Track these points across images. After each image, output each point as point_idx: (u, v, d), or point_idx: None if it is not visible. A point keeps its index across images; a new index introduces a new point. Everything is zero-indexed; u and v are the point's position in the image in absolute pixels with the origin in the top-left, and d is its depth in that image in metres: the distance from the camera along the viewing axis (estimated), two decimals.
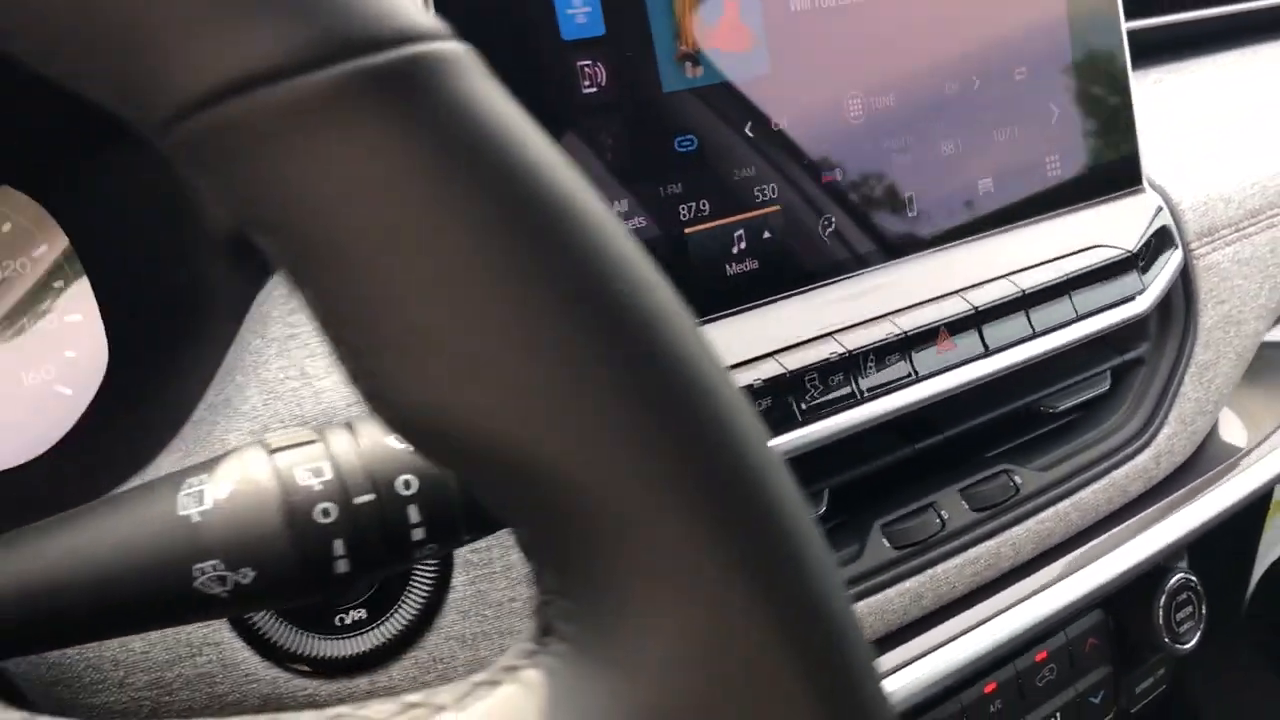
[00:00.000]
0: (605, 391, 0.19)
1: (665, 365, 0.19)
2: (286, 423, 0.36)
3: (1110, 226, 0.56)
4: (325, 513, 0.28)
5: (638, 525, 0.20)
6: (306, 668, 0.36)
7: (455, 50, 0.18)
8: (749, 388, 0.42)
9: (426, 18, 0.18)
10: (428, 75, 0.17)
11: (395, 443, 0.29)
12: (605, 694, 0.21)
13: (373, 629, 0.37)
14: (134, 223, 0.46)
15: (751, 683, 0.20)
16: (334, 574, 0.28)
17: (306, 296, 0.19)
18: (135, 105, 0.18)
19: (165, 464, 0.37)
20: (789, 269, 0.45)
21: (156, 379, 0.45)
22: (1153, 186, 0.59)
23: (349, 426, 0.29)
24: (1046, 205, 0.54)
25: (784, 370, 0.43)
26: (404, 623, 0.37)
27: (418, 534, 0.29)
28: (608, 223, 0.19)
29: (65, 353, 0.49)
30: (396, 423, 0.20)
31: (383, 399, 0.19)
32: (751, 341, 0.43)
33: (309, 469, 0.28)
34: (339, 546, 0.28)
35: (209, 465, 0.28)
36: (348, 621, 0.37)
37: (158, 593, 0.28)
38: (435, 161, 0.18)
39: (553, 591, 0.22)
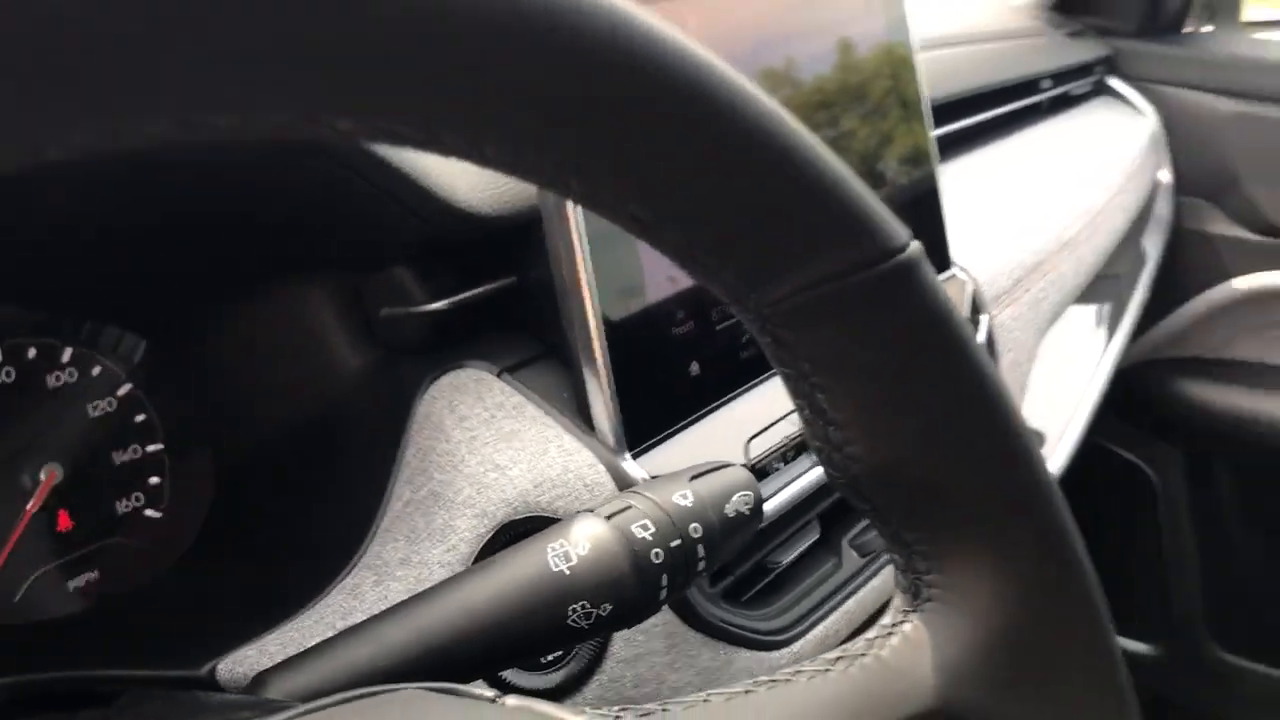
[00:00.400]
0: (1007, 469, 0.32)
1: (1033, 465, 0.33)
2: (497, 506, 0.46)
3: None
4: (656, 555, 0.38)
5: (995, 526, 0.33)
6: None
7: (918, 243, 0.31)
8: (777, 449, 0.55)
9: (905, 227, 0.30)
10: (919, 262, 0.30)
11: (679, 500, 0.40)
12: (969, 626, 0.34)
13: (568, 662, 0.47)
14: (247, 360, 0.53)
15: (1052, 607, 0.34)
16: (658, 600, 0.39)
17: (814, 403, 0.31)
18: (750, 291, 0.29)
19: (387, 551, 0.45)
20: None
21: (294, 491, 0.52)
22: (958, 266, 0.78)
23: (642, 493, 0.40)
24: None
25: (795, 431, 0.57)
26: (590, 654, 0.48)
27: (701, 565, 0.40)
28: (987, 355, 0.32)
29: (150, 479, 0.55)
30: (853, 473, 0.32)
31: (848, 454, 0.32)
32: (770, 404, 0.57)
33: (639, 525, 0.38)
34: (664, 579, 0.39)
35: (559, 532, 0.38)
36: (549, 659, 0.47)
37: (537, 631, 0.37)
38: (930, 318, 0.30)
39: (921, 571, 0.34)
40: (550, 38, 0.22)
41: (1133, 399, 1.41)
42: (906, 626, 0.34)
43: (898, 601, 0.35)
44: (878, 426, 0.31)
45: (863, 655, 0.34)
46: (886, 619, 0.35)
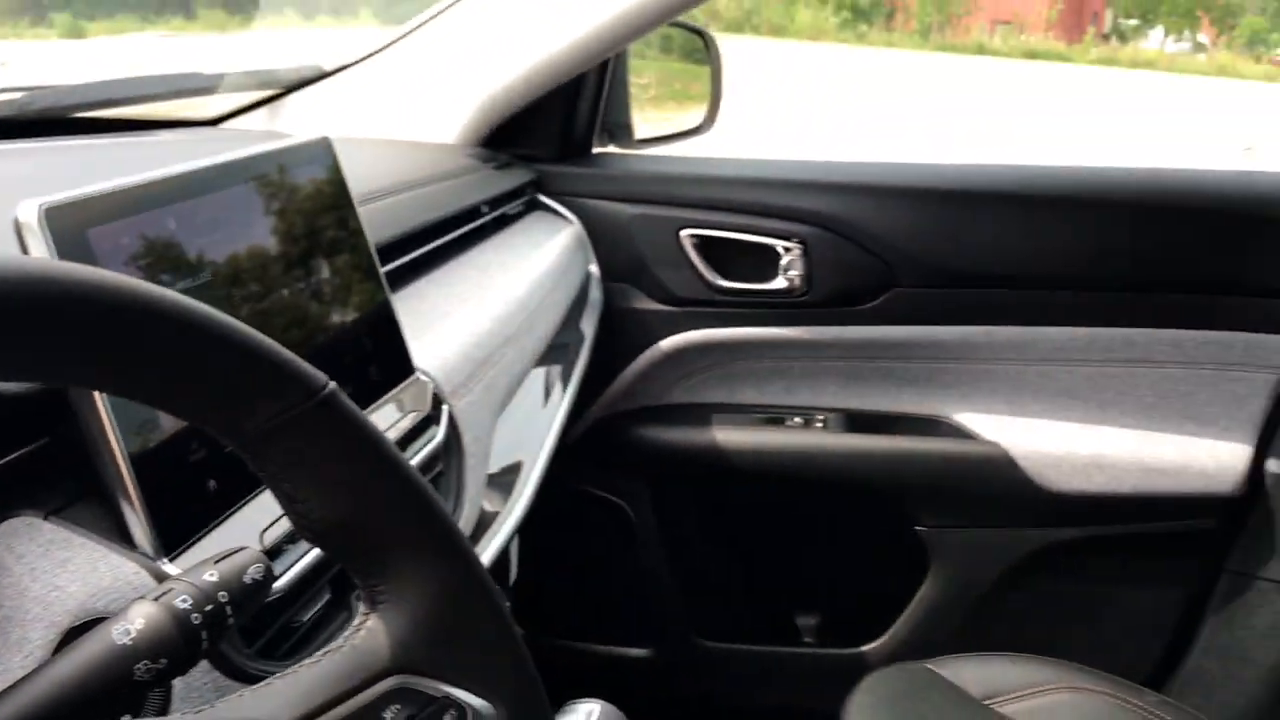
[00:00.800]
0: (412, 515, 0.53)
1: (430, 509, 0.54)
2: (62, 616, 0.59)
3: (409, 401, 0.96)
4: (195, 618, 0.54)
5: (410, 550, 0.54)
6: None
7: (333, 383, 0.51)
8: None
9: (321, 373, 0.50)
10: (335, 395, 0.50)
11: (208, 577, 0.56)
12: (407, 613, 0.54)
13: None
14: None
15: (457, 595, 0.55)
16: (201, 650, 0.55)
17: (284, 491, 0.50)
18: (228, 427, 0.48)
19: None
20: None
21: None
22: (420, 371, 1.00)
23: (182, 579, 0.56)
24: (370, 399, 0.92)
25: None
26: (154, 713, 0.62)
27: (230, 621, 0.56)
28: (402, 458, 0.53)
29: None
30: (318, 532, 0.51)
31: (312, 520, 0.51)
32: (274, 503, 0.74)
33: (180, 598, 0.54)
34: (204, 635, 0.55)
35: (119, 617, 0.53)
36: None
37: (113, 688, 0.52)
38: (352, 431, 0.50)
39: (374, 587, 0.54)
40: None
41: (602, 448, 1.72)
42: (369, 622, 0.54)
43: (361, 607, 0.54)
44: (325, 501, 0.50)
45: (341, 646, 0.53)
46: (355, 620, 0.54)
